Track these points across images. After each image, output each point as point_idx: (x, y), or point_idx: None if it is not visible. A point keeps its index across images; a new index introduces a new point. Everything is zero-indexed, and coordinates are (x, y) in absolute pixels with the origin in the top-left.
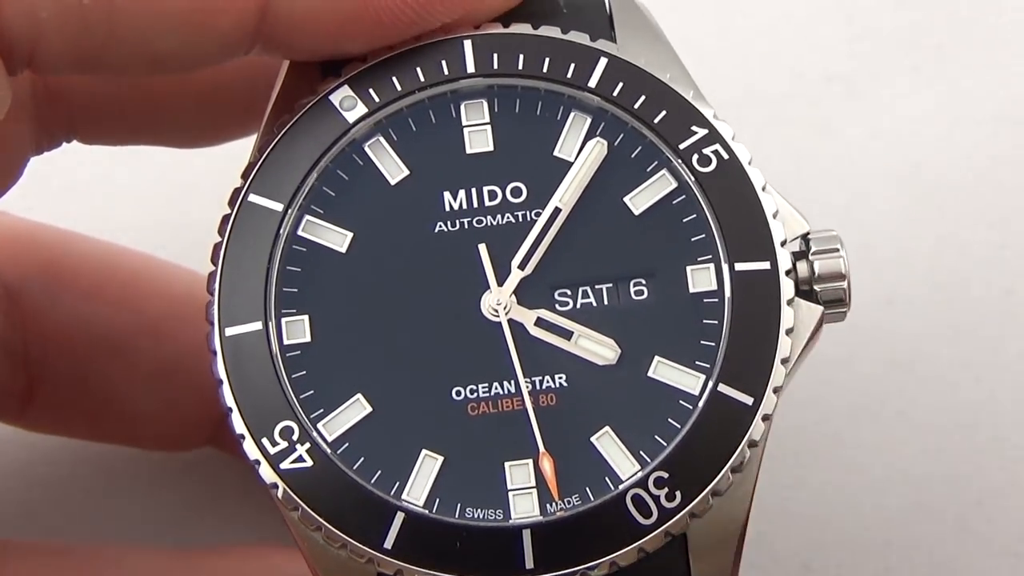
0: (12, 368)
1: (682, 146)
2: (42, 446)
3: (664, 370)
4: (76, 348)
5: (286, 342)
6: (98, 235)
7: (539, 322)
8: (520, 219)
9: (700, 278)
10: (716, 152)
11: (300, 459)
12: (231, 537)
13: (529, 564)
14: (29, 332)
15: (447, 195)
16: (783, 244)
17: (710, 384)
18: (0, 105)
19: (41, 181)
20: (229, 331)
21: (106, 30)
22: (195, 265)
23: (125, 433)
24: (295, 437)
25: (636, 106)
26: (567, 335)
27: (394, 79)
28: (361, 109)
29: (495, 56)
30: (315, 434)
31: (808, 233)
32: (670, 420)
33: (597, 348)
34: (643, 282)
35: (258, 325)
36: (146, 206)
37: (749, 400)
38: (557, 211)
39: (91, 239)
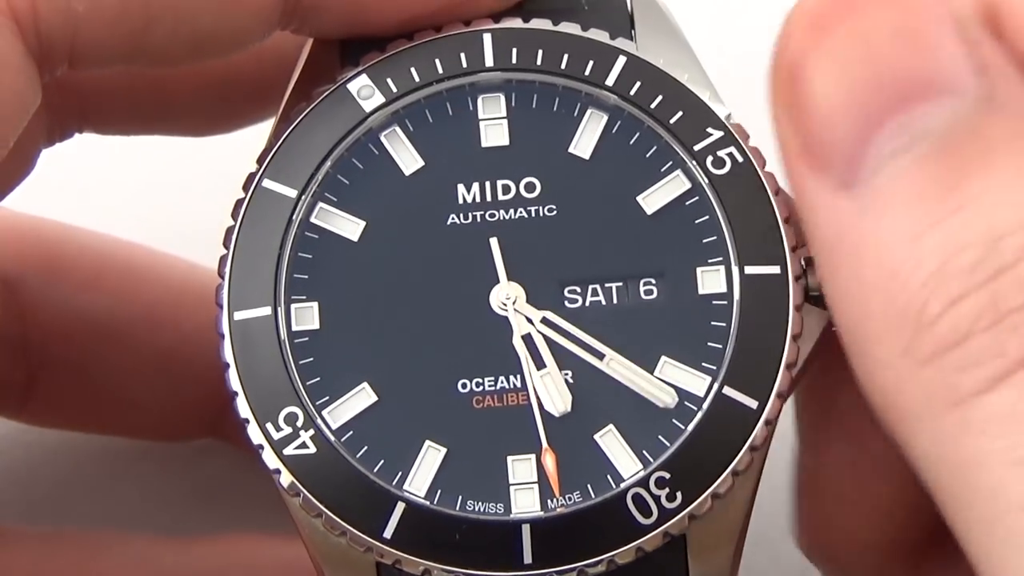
0: (12, 360)
1: (697, 147)
2: (42, 441)
3: (670, 371)
4: (75, 338)
5: (295, 328)
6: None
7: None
8: (533, 214)
9: (710, 280)
10: (731, 155)
11: (304, 445)
12: (229, 529)
13: (528, 559)
14: (28, 323)
15: (461, 188)
16: (794, 249)
17: (715, 386)
18: (28, 108)
19: (43, 182)
20: (238, 315)
21: (144, 13)
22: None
23: (125, 423)
24: (299, 423)
25: (653, 106)
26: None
27: (412, 70)
28: (379, 98)
29: (514, 51)
30: (320, 421)
31: None
32: (674, 421)
33: (555, 395)
34: (653, 282)
35: (267, 310)
36: (147, 206)
37: (754, 404)
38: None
39: (88, 231)
